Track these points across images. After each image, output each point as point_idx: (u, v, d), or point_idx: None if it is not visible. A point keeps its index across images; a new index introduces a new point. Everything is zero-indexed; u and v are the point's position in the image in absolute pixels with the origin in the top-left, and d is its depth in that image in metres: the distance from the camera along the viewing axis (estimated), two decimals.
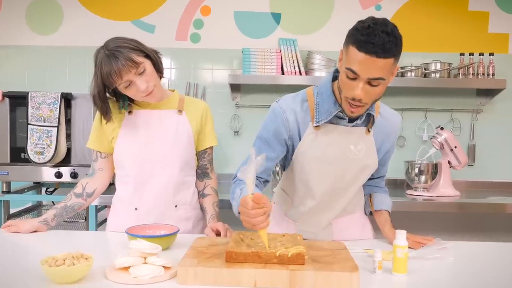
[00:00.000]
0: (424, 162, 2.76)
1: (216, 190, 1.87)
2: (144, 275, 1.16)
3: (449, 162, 2.80)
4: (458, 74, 2.98)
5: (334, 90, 1.46)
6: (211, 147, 1.85)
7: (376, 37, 1.22)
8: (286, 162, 1.60)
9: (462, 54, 2.98)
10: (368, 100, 1.33)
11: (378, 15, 2.96)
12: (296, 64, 2.91)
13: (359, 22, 1.29)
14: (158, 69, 1.65)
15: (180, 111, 1.75)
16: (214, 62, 3.16)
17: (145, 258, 1.22)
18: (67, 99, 2.57)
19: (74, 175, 2.60)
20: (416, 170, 2.76)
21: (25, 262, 1.32)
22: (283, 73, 2.92)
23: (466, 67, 2.95)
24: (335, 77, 1.49)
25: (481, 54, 2.96)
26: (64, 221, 2.96)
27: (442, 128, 2.80)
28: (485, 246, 1.62)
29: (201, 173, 1.85)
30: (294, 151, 1.51)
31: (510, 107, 3.13)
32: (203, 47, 3.13)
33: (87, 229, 2.70)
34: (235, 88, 3.09)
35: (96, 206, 2.60)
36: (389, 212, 1.65)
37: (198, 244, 1.36)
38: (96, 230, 2.66)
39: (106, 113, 1.65)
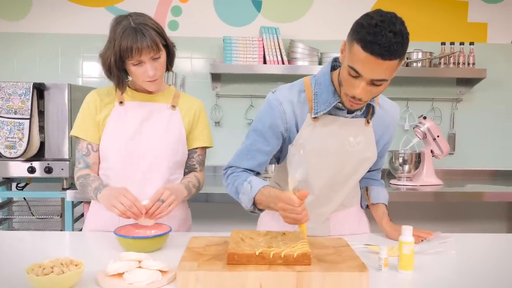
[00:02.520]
0: (407, 151, 2.76)
1: (200, 181, 1.71)
2: (140, 281, 1.08)
3: (431, 151, 2.80)
4: (439, 63, 2.98)
5: (333, 80, 1.40)
6: (203, 148, 1.74)
7: (383, 38, 1.16)
8: (281, 155, 1.54)
9: (443, 43, 2.98)
10: (368, 98, 1.31)
11: (359, 4, 3.01)
12: (278, 53, 2.83)
13: (366, 16, 1.21)
14: (170, 62, 1.63)
15: (173, 107, 1.66)
16: (194, 51, 3.04)
17: (139, 261, 1.14)
18: (39, 90, 2.41)
19: (48, 170, 2.46)
20: (400, 160, 2.75)
21: (6, 270, 1.21)
22: (265, 62, 2.84)
23: (447, 56, 2.95)
24: (333, 66, 1.43)
25: (461, 43, 2.96)
26: (37, 218, 2.84)
27: (424, 118, 2.79)
28: (482, 237, 1.63)
29: (188, 172, 1.73)
30: (291, 143, 1.44)
31: (489, 96, 3.16)
32: (182, 35, 3.00)
33: (63, 226, 2.57)
34: (216, 77, 2.99)
35: (72, 202, 2.48)
36: (386, 205, 1.62)
37: (194, 245, 1.29)
38: (72, 226, 2.53)
39: (122, 83, 1.59)
